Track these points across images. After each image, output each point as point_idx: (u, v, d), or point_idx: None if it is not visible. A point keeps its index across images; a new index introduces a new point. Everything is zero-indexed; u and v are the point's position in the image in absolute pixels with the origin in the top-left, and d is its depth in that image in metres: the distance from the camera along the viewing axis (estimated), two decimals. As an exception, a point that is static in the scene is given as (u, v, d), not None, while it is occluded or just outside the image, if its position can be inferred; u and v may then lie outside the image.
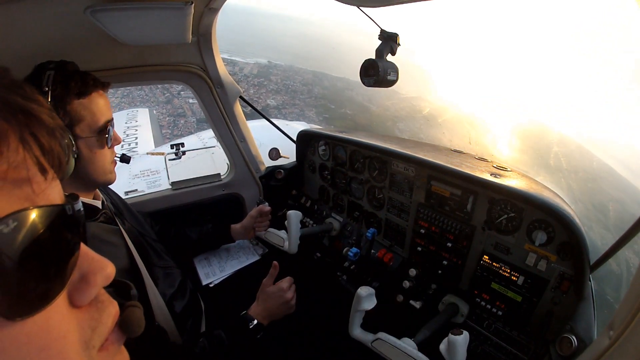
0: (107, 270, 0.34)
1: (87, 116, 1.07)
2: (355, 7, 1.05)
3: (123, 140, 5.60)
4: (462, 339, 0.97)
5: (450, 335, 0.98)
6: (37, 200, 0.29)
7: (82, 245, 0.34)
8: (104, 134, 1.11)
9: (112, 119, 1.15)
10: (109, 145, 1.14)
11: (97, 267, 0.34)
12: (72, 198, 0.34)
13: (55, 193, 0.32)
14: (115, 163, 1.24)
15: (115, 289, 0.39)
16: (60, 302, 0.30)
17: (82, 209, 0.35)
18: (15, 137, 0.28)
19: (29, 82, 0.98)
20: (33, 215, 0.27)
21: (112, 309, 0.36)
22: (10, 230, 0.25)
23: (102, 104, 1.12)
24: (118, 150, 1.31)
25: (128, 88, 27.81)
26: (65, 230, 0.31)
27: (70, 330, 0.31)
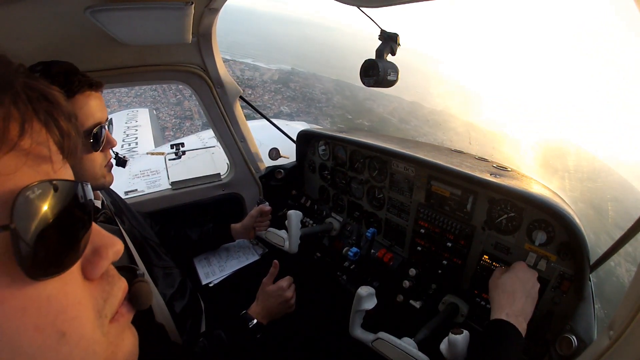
0: (117, 246, 0.38)
1: (78, 114, 0.99)
2: (356, 8, 1.05)
3: (123, 141, 5.60)
4: (462, 339, 0.97)
5: (451, 335, 0.98)
6: (55, 176, 0.32)
7: (94, 224, 0.37)
8: (89, 138, 1.02)
9: (104, 120, 1.07)
10: (99, 149, 1.06)
11: (108, 242, 0.37)
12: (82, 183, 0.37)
13: (68, 175, 0.36)
14: (112, 166, 1.17)
15: (123, 272, 0.42)
16: (75, 272, 0.34)
17: (92, 195, 0.38)
18: (39, 119, 0.31)
19: None
20: (54, 186, 0.31)
21: (121, 283, 0.39)
22: (36, 197, 0.29)
23: (90, 106, 1.02)
24: (119, 149, 1.29)
25: (142, 88, 27.73)
26: (78, 208, 0.34)
27: (85, 297, 0.34)
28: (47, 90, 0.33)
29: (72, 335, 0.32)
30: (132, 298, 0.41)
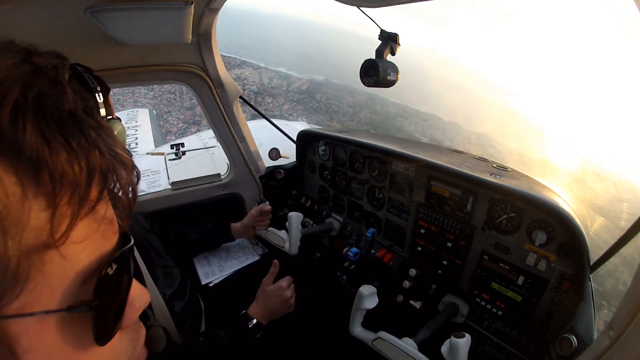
0: (147, 297, 0.39)
1: (112, 109, 1.21)
2: (356, 8, 1.05)
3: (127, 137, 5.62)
4: (464, 342, 0.97)
5: (453, 338, 0.98)
6: (114, 242, 0.32)
7: None
8: None
9: None
10: None
11: (139, 294, 0.37)
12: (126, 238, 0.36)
13: (117, 233, 0.34)
14: None
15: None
16: None
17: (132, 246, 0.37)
18: (113, 181, 0.30)
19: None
20: (122, 254, 0.31)
21: (142, 330, 0.40)
22: (112, 272, 0.30)
23: (112, 105, 1.23)
24: None
25: (161, 91, 27.62)
26: (129, 272, 0.34)
27: (121, 348, 0.35)
28: (120, 152, 0.30)
29: None
30: (149, 341, 0.42)
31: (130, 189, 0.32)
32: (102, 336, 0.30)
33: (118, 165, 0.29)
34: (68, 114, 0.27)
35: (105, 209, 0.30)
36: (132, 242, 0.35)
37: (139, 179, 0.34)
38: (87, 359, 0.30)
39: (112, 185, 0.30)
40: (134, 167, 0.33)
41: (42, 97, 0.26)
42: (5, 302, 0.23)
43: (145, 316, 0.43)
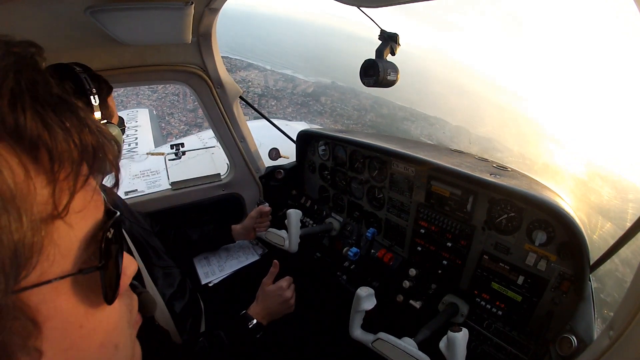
0: (134, 265, 0.42)
1: (114, 109, 1.22)
2: (356, 8, 1.05)
3: (123, 141, 5.62)
4: (461, 336, 0.97)
5: (450, 333, 0.98)
6: (103, 209, 0.35)
7: None
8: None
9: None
10: None
11: (128, 262, 0.40)
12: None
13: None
14: None
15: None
16: None
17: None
18: (99, 157, 0.33)
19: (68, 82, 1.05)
20: (115, 221, 0.35)
21: (134, 295, 0.44)
22: (111, 236, 0.34)
23: (114, 108, 1.23)
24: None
25: (165, 93, 27.62)
26: (121, 236, 0.38)
27: (122, 311, 0.39)
28: (103, 127, 0.34)
29: (122, 346, 0.37)
30: (141, 306, 0.46)
31: (114, 160, 0.35)
32: (110, 294, 0.34)
33: (104, 139, 0.33)
34: (57, 97, 0.30)
35: (95, 181, 0.33)
36: (119, 212, 0.38)
37: (120, 150, 0.37)
38: (98, 320, 0.33)
39: (99, 158, 0.33)
40: (115, 139, 0.36)
41: (33, 84, 0.28)
42: (25, 273, 0.26)
43: (134, 286, 0.45)
